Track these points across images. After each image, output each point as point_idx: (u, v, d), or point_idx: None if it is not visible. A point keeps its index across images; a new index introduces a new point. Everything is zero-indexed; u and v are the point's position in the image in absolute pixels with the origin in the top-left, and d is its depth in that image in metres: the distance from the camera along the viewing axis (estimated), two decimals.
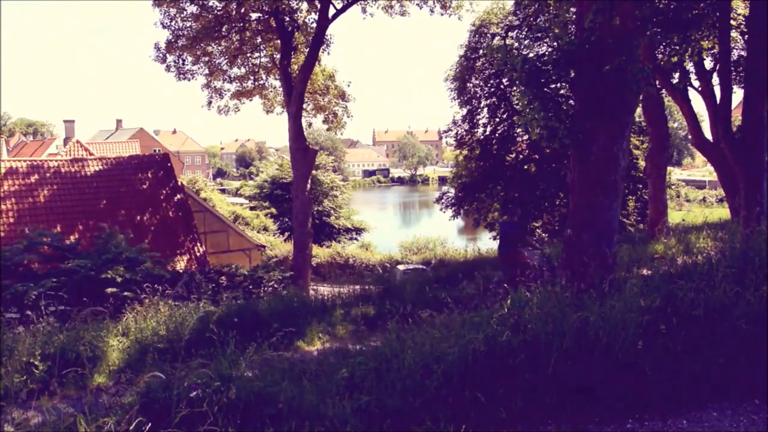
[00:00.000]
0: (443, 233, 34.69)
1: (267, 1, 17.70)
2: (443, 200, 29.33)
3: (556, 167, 24.76)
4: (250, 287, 13.02)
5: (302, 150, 18.99)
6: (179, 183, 20.88)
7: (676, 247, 15.25)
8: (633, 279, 6.11)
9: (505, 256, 11.29)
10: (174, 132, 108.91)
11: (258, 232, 33.97)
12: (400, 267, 22.37)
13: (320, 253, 29.57)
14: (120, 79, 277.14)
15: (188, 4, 18.78)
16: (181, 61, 20.32)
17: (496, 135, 26.94)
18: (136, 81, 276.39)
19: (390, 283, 13.56)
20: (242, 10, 18.76)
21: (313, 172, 25.58)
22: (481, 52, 25.94)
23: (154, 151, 53.29)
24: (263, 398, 4.50)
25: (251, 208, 39.68)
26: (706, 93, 18.23)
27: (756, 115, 11.25)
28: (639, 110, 20.37)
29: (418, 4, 19.30)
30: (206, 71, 20.83)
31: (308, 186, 19.38)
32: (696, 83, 19.17)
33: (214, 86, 21.49)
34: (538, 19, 22.82)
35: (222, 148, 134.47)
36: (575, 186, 7.69)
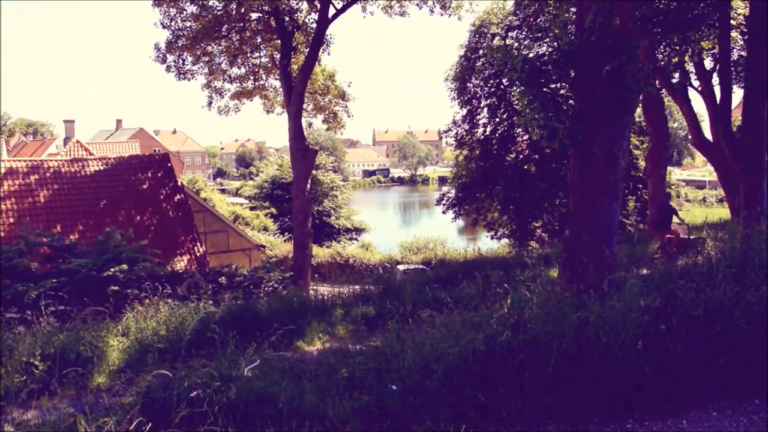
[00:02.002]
0: (443, 233, 34.64)
1: (267, 1, 17.70)
2: (444, 201, 29.33)
3: (556, 167, 24.77)
4: (251, 287, 13.02)
5: (302, 150, 18.99)
6: (179, 183, 20.88)
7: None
8: (633, 279, 6.11)
9: (659, 230, 14.13)
10: (174, 132, 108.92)
11: (258, 232, 33.96)
12: (400, 267, 22.32)
13: (320, 253, 29.54)
14: (120, 79, 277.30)
15: (188, 4, 18.78)
16: (181, 61, 20.33)
17: (496, 135, 26.95)
18: (136, 81, 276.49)
19: (390, 283, 13.55)
20: (242, 10, 18.76)
21: (313, 172, 25.59)
22: (481, 52, 25.95)
23: (154, 151, 53.30)
24: (263, 398, 4.50)
25: (251, 208, 39.67)
26: (706, 93, 18.24)
27: (756, 115, 11.25)
28: (639, 110, 20.38)
29: (417, 4, 19.30)
30: (206, 71, 20.84)
31: (308, 186, 19.38)
32: (696, 83, 19.18)
33: (214, 86, 21.50)
34: (538, 19, 22.84)
35: (222, 148, 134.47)
36: (575, 186, 7.69)
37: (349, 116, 22.49)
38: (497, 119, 26.92)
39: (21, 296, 9.75)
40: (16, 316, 8.59)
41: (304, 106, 20.51)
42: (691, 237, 13.63)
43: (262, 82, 21.83)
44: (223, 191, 64.08)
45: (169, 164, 20.42)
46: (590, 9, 7.26)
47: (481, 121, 27.84)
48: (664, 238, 13.90)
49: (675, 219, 14.71)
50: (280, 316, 8.82)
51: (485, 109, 27.58)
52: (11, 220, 16.38)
